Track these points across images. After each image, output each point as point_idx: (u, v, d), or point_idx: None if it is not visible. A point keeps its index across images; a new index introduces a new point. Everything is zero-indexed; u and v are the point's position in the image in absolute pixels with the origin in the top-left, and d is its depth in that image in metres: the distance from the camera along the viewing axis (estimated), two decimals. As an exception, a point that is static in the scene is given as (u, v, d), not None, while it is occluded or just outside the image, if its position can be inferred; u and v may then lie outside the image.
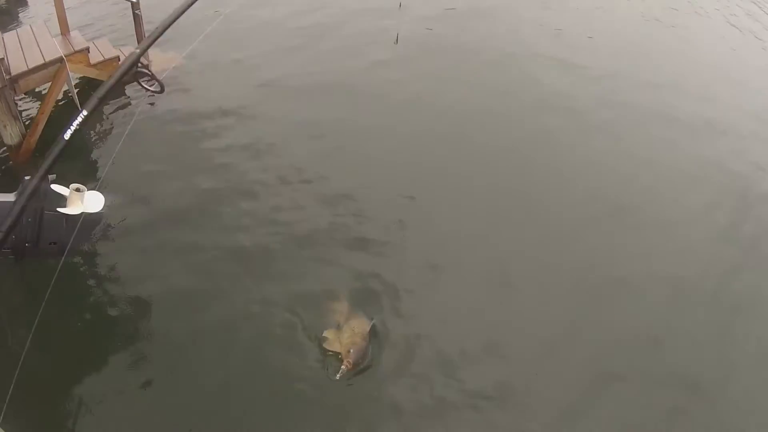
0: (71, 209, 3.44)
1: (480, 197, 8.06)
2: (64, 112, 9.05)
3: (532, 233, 7.56)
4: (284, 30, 12.27)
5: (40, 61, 7.75)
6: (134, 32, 9.63)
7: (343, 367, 5.43)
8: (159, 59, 10.28)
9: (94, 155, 8.48)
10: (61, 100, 9.11)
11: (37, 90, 9.05)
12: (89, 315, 6.26)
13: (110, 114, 9.41)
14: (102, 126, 9.13)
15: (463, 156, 8.83)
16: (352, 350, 5.52)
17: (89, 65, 9.25)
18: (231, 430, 5.22)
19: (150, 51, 9.92)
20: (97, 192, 3.67)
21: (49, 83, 8.14)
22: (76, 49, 8.83)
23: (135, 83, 9.52)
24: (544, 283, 6.89)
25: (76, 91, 8.56)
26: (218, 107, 9.56)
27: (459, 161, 8.70)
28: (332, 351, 5.70)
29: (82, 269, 6.66)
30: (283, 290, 6.46)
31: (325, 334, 5.85)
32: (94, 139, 8.80)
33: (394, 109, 9.81)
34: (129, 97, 9.79)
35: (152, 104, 9.51)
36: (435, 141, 9.09)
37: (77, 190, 3.46)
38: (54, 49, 7.98)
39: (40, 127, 8.19)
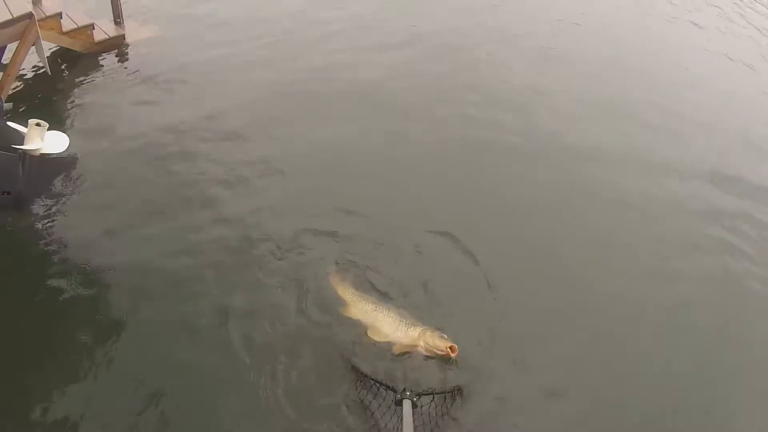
0: (29, 145, 3.02)
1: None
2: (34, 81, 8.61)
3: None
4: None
5: (8, 17, 7.25)
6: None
7: (453, 354, 4.81)
8: (134, 31, 9.90)
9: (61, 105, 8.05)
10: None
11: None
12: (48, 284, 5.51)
13: (80, 74, 8.97)
14: (70, 83, 8.71)
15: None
16: (445, 335, 4.91)
17: (61, 32, 8.81)
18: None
19: (126, 23, 9.71)
20: (62, 133, 3.28)
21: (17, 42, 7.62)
22: (48, 14, 8.39)
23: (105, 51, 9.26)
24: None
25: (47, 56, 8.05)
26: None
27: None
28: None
29: (40, 228, 5.96)
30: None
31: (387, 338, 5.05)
32: (59, 93, 8.40)
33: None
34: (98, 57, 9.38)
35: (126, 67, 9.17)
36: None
37: (38, 124, 3.05)
38: (23, 7, 7.51)
39: (7, 90, 7.68)
